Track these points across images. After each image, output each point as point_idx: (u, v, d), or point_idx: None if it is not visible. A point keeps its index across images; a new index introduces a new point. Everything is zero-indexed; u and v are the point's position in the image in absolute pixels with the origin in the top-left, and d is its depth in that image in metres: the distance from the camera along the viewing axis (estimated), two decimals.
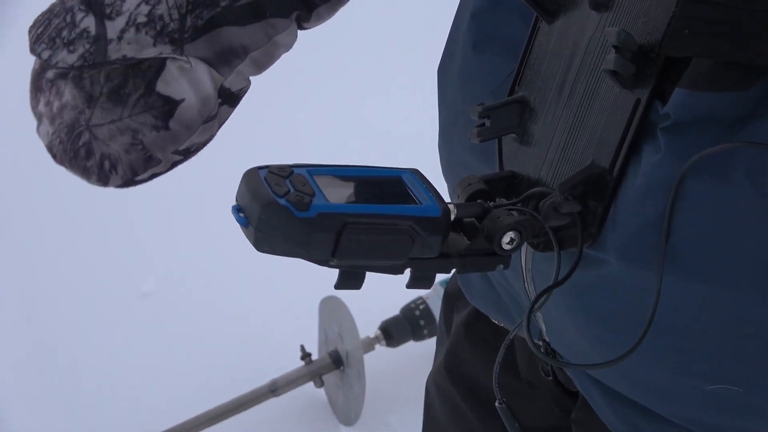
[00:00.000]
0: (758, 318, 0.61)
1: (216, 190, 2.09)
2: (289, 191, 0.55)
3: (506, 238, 0.60)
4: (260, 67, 0.78)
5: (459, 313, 0.99)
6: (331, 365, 1.76)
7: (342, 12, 0.80)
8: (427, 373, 1.04)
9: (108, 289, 2.05)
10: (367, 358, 1.73)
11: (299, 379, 1.75)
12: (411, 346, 1.78)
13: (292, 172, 0.58)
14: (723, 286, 0.61)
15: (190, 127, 0.75)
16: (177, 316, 2.00)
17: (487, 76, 0.74)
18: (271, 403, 1.73)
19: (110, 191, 0.78)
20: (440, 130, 0.82)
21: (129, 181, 0.76)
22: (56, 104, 0.75)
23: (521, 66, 0.71)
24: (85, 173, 0.76)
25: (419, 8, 2.63)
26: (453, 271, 0.64)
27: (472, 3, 0.75)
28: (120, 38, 0.72)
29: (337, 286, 0.63)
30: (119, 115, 0.74)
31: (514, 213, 0.62)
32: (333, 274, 0.60)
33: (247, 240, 0.57)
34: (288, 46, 0.78)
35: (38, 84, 0.75)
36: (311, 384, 1.76)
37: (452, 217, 0.60)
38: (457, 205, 0.61)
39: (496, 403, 0.77)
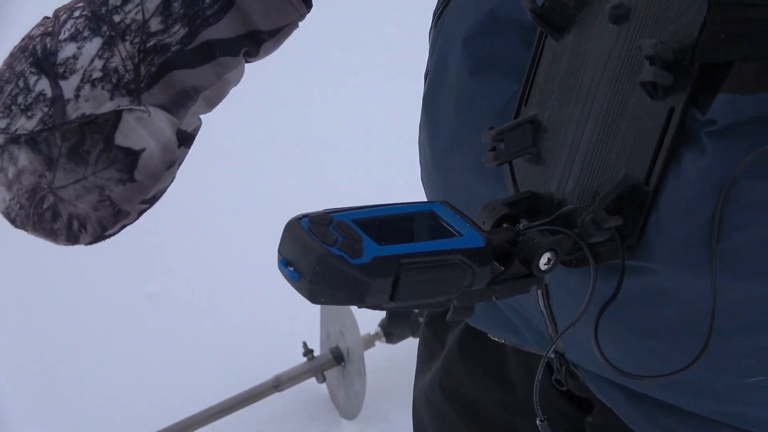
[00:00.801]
0: None
1: (217, 194, 2.13)
2: (337, 239, 0.54)
3: (543, 259, 0.59)
4: (211, 104, 0.78)
5: (450, 330, 0.99)
6: (333, 361, 1.78)
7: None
8: None
9: (114, 290, 2.06)
10: (368, 354, 1.75)
11: (302, 374, 1.77)
12: (410, 342, 1.78)
13: (333, 219, 0.56)
14: None
15: (155, 176, 0.75)
16: (181, 315, 2.01)
17: (487, 100, 0.74)
18: (275, 398, 1.76)
19: None
20: (432, 159, 0.82)
21: (99, 237, 0.76)
22: (11, 170, 0.74)
23: (527, 85, 0.71)
24: (51, 235, 0.76)
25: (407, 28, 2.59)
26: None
27: (463, 28, 0.74)
28: (77, 96, 0.72)
29: (387, 330, 0.69)
30: (83, 174, 0.73)
31: (547, 233, 0.61)
32: None
33: (301, 294, 0.54)
34: (237, 81, 0.79)
35: None
36: (313, 380, 1.79)
37: (492, 244, 0.60)
38: (491, 232, 0.61)
39: (537, 421, 0.76)
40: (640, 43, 0.59)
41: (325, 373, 1.80)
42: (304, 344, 1.78)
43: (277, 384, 1.75)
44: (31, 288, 2.14)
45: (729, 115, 0.58)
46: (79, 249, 0.84)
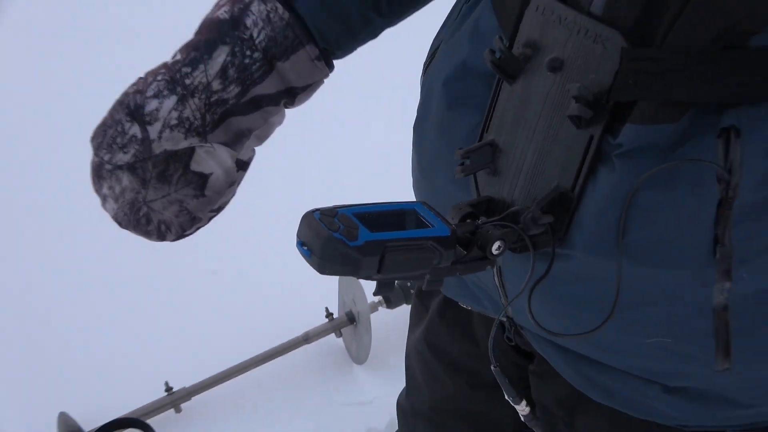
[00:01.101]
0: (684, 285, 0.67)
1: (260, 198, 2.00)
2: (340, 227, 0.60)
3: (495, 246, 0.65)
4: (261, 140, 0.87)
5: (433, 299, 1.05)
6: (347, 321, 1.99)
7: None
8: None
9: (187, 268, 2.22)
10: (373, 316, 1.94)
11: (324, 331, 1.99)
12: (404, 308, 1.98)
13: (337, 212, 0.62)
14: (666, 268, 0.66)
15: (220, 192, 0.83)
16: (236, 288, 2.20)
17: (459, 128, 0.79)
18: (304, 348, 1.99)
19: None
20: (419, 171, 0.87)
21: (180, 236, 0.84)
22: (117, 188, 0.81)
23: (488, 118, 0.76)
24: (146, 235, 0.84)
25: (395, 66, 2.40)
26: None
27: (443, 74, 0.81)
28: (160, 138, 0.79)
29: (376, 293, 0.71)
30: (168, 191, 0.81)
31: (498, 227, 0.66)
32: None
33: (311, 267, 0.62)
34: (280, 123, 0.87)
35: (100, 173, 0.82)
36: (333, 335, 2.01)
37: (457, 234, 0.65)
38: (456, 225, 0.66)
39: (492, 367, 0.87)
40: (569, 87, 0.65)
41: (342, 330, 2.01)
42: (326, 309, 2.01)
43: (306, 338, 1.97)
44: (123, 266, 2.26)
45: (633, 141, 0.64)
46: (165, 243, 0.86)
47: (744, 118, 0.61)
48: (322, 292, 2.03)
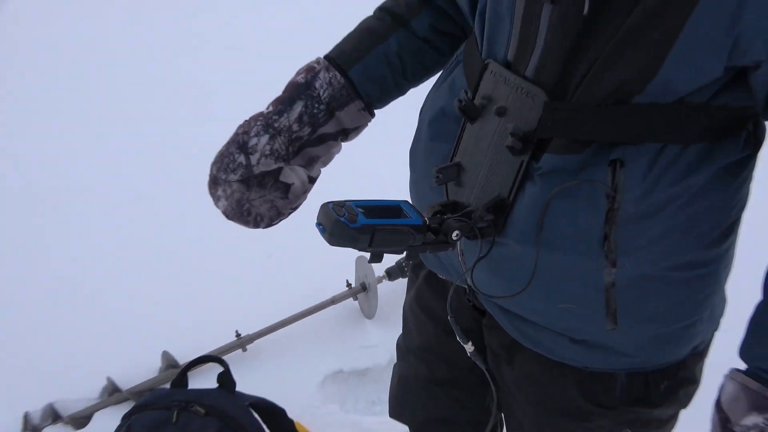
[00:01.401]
0: (584, 268, 0.68)
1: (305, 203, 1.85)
2: (345, 214, 0.62)
3: (454, 234, 0.66)
4: (325, 163, 0.88)
5: (421, 271, 1.04)
6: (361, 289, 2.07)
7: None
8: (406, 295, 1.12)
9: (251, 253, 2.22)
10: (379, 286, 2.04)
11: (345, 296, 2.06)
12: (400, 281, 2.05)
13: (345, 204, 0.63)
14: (571, 255, 0.67)
15: (298, 197, 0.85)
16: (285, 266, 2.23)
17: (438, 153, 0.79)
18: (332, 308, 2.06)
19: None
20: (413, 181, 0.86)
21: (269, 225, 0.86)
22: (229, 191, 0.82)
23: (456, 147, 0.75)
24: (246, 223, 0.85)
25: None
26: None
27: (428, 116, 0.81)
28: (258, 163, 0.81)
29: (370, 261, 0.71)
30: (264, 194, 0.82)
31: (457, 221, 0.67)
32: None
33: (324, 240, 0.63)
34: (338, 152, 0.88)
35: (216, 181, 0.83)
36: (351, 299, 2.08)
37: (427, 224, 0.66)
38: (429, 218, 0.67)
39: (449, 317, 0.87)
40: (509, 127, 0.66)
41: (357, 295, 2.08)
42: (347, 281, 2.08)
43: (333, 301, 2.04)
44: (214, 252, 2.24)
45: (550, 165, 0.65)
46: (241, 229, 0.86)
47: (627, 153, 0.63)
48: (344, 270, 2.08)
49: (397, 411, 1.17)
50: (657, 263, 0.69)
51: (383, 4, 0.90)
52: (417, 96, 0.92)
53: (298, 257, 2.12)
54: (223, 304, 2.10)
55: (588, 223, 0.65)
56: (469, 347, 0.90)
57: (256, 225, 0.84)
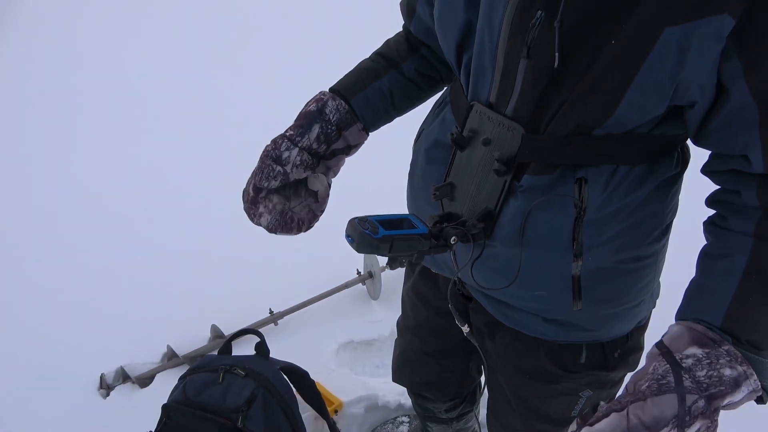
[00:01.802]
0: (556, 262, 0.68)
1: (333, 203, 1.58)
2: (368, 227, 0.61)
3: (452, 239, 0.65)
4: (336, 173, 0.86)
5: (416, 267, 1.03)
6: (368, 276, 2.06)
7: None
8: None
9: (283, 247, 1.82)
10: (383, 274, 2.05)
11: (356, 282, 2.05)
12: (399, 270, 1.97)
13: (367, 219, 0.63)
14: (546, 253, 0.68)
15: (325, 200, 0.84)
16: (310, 258, 2.16)
17: (433, 175, 0.78)
18: (345, 291, 2.05)
19: None
20: (411, 199, 0.85)
21: (308, 228, 0.84)
22: (270, 205, 0.80)
23: (449, 170, 0.74)
24: (289, 231, 0.82)
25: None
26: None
27: (424, 144, 0.79)
28: (291, 172, 0.79)
29: (388, 264, 0.68)
30: (301, 201, 0.82)
31: (454, 228, 0.66)
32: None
33: (353, 249, 0.61)
34: (344, 163, 0.86)
35: (256, 202, 0.80)
36: (360, 284, 2.07)
37: (431, 232, 0.65)
38: (431, 227, 0.66)
39: (449, 305, 0.86)
40: (494, 153, 0.65)
41: (365, 281, 2.07)
42: (357, 270, 2.08)
43: (346, 286, 2.03)
44: (252, 244, 2.03)
45: (528, 184, 0.65)
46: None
47: (589, 173, 0.64)
48: (355, 261, 2.09)
49: (397, 375, 1.18)
50: (612, 257, 0.69)
51: (378, 50, 0.90)
52: (407, 124, 0.94)
53: (319, 251, 2.05)
54: (260, 287, 2.08)
55: (561, 227, 0.66)
56: (465, 329, 0.90)
57: (299, 230, 0.83)
